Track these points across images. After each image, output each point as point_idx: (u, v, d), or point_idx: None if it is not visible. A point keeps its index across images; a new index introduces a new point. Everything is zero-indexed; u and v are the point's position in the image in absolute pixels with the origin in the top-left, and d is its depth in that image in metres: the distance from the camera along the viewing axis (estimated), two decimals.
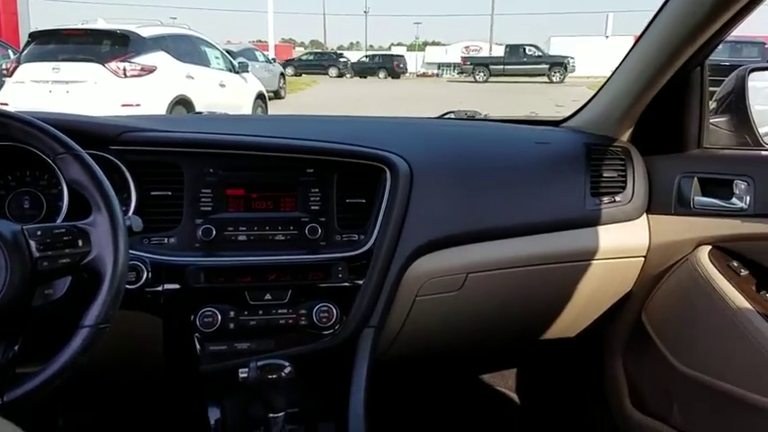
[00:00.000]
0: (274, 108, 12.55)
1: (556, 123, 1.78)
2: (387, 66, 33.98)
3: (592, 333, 1.73)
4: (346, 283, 1.31)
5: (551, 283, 1.54)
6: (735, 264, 1.41)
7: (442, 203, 1.40)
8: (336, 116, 1.79)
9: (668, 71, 1.42)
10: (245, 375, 1.15)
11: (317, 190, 1.34)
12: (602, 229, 1.52)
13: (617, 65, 1.57)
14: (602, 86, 1.63)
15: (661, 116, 1.55)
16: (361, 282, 1.31)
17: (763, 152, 1.54)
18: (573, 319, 1.65)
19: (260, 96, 10.01)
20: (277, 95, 16.18)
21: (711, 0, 1.22)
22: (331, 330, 1.30)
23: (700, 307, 1.42)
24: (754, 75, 1.66)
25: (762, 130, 1.58)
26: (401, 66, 35.09)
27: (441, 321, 1.49)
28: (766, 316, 1.29)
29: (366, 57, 39.17)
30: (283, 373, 1.15)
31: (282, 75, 17.53)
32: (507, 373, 2.27)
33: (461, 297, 1.43)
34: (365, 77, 32.68)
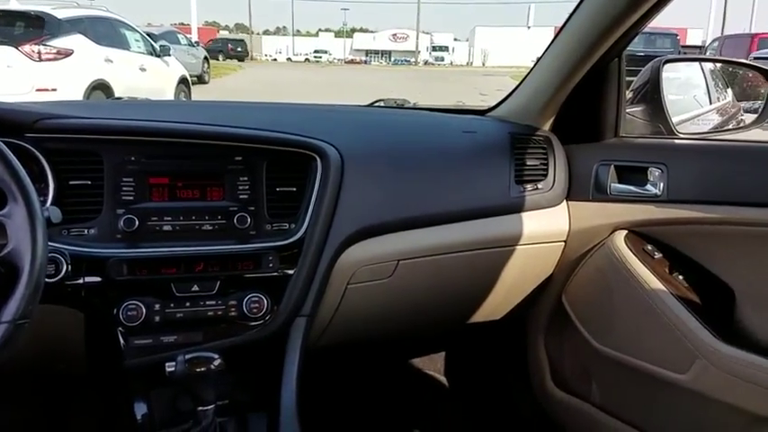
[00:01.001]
0: (198, 93, 12.25)
1: (482, 113, 1.80)
2: (223, 49, 38.78)
3: (516, 316, 1.78)
4: (277, 273, 1.29)
5: (478, 269, 1.57)
6: (649, 247, 1.47)
7: (373, 192, 1.40)
8: (265, 103, 1.75)
9: (588, 62, 1.46)
10: (173, 369, 1.12)
11: (245, 178, 1.31)
12: (525, 216, 1.56)
13: (539, 56, 1.60)
14: (526, 77, 1.66)
15: (580, 106, 1.59)
16: (291, 271, 1.30)
17: (676, 141, 1.60)
18: (498, 302, 1.69)
19: (183, 81, 9.76)
20: (201, 80, 15.78)
21: None
22: (261, 321, 1.28)
23: (616, 289, 1.48)
24: (668, 66, 1.72)
25: (675, 120, 1.65)
26: (238, 49, 40.32)
27: (372, 309, 1.50)
28: (678, 297, 1.35)
29: (211, 40, 43.17)
30: (212, 366, 1.13)
31: (207, 59, 17.09)
32: (436, 357, 2.31)
33: (392, 284, 1.44)
34: (217, 59, 36.40)
